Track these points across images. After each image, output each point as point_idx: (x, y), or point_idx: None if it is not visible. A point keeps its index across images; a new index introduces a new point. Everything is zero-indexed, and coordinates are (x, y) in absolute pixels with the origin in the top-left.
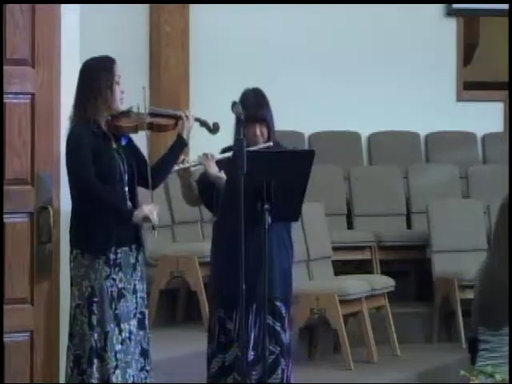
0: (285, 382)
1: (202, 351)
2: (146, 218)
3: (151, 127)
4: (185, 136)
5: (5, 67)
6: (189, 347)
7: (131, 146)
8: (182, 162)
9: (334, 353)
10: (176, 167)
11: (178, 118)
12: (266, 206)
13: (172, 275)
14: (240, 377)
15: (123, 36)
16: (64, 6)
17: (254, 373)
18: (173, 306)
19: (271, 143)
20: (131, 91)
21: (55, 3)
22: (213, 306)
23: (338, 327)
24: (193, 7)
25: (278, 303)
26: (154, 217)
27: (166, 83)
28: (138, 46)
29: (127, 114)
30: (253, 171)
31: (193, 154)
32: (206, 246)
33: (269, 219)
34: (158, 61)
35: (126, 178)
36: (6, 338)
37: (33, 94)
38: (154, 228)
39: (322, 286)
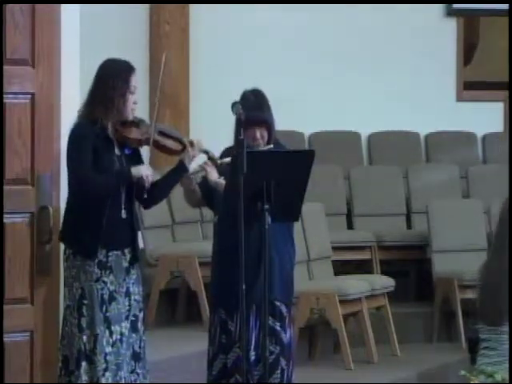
0: (285, 382)
1: (201, 351)
2: (141, 178)
3: (157, 146)
4: (186, 163)
5: (5, 67)
6: (189, 347)
7: (135, 157)
8: None
9: (334, 353)
10: None
11: (185, 146)
12: (266, 206)
13: (172, 275)
14: (242, 378)
15: (123, 36)
16: (64, 6)
17: (255, 373)
18: (173, 306)
19: (271, 146)
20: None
21: (55, 3)
22: (213, 307)
23: (338, 327)
24: (193, 7)
25: (277, 303)
26: (149, 180)
27: (166, 83)
28: (138, 46)
29: (137, 125)
30: (253, 171)
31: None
32: (205, 246)
33: (269, 219)
34: (158, 61)
35: (124, 186)
36: (6, 338)
37: (33, 94)
38: (144, 190)
39: (322, 286)
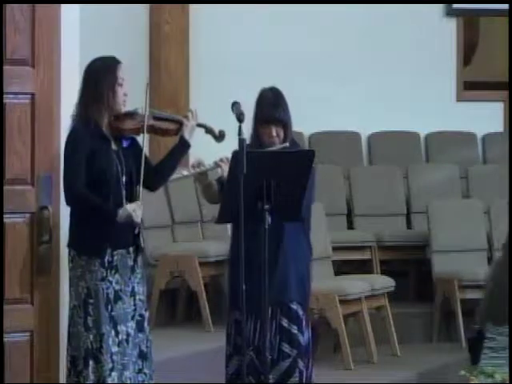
0: (304, 382)
1: (202, 351)
2: (129, 217)
3: (154, 131)
4: (187, 136)
5: (5, 67)
6: (189, 347)
7: (134, 148)
8: (198, 166)
9: (334, 353)
10: (192, 171)
11: (181, 123)
12: (266, 206)
13: (172, 275)
14: (255, 380)
15: (123, 36)
16: (64, 6)
17: (270, 376)
18: (173, 306)
19: (287, 144)
20: (131, 91)
21: (55, 3)
22: (230, 308)
23: (338, 327)
24: (193, 7)
25: (293, 306)
26: (138, 215)
27: (166, 83)
28: (138, 46)
29: (131, 115)
30: (253, 171)
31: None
32: (205, 246)
33: (269, 219)
34: (158, 61)
35: (124, 180)
36: (6, 338)
37: (33, 94)
38: (137, 225)
39: (322, 286)
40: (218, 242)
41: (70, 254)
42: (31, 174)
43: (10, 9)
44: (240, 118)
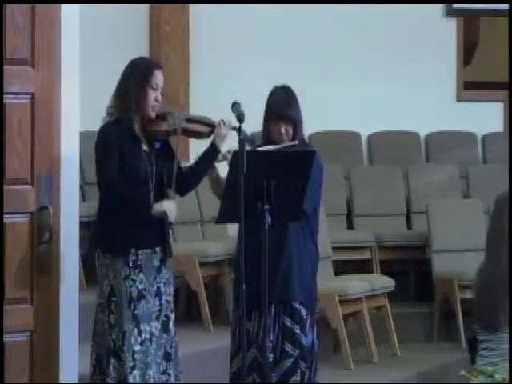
0: (306, 383)
1: (202, 351)
2: (165, 214)
3: (186, 133)
4: (218, 144)
5: (5, 67)
6: (189, 347)
7: (166, 150)
8: None
9: (334, 353)
10: None
11: (213, 127)
12: (267, 206)
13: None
14: (259, 378)
15: (123, 36)
16: (64, 6)
17: (273, 375)
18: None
19: (296, 142)
20: None
21: (55, 3)
22: (235, 305)
23: (338, 327)
24: (193, 7)
25: (297, 306)
26: (173, 215)
27: (166, 83)
28: (138, 46)
29: (164, 117)
30: (254, 171)
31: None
32: (206, 246)
33: (269, 219)
34: (158, 61)
35: (154, 181)
36: (6, 338)
37: (33, 94)
38: (170, 225)
39: (322, 286)
40: (217, 242)
41: (96, 253)
42: (31, 174)
43: (9, 9)
44: (240, 118)
